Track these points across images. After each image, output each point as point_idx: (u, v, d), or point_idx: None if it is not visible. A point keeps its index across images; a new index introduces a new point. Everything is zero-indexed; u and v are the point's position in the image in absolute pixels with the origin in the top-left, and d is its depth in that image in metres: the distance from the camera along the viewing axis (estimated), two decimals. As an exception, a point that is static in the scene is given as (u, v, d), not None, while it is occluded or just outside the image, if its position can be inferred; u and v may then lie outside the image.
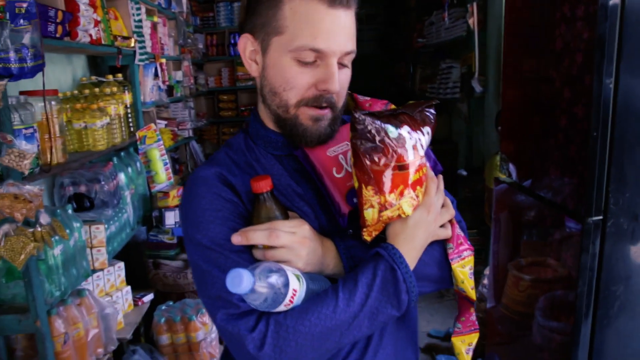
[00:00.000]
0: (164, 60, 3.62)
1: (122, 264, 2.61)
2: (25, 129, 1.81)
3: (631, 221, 1.53)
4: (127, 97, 2.89)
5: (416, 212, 0.88)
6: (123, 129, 2.78)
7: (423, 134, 0.88)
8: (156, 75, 3.44)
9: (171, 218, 3.02)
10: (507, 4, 2.06)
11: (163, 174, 3.17)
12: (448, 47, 5.07)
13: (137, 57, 3.03)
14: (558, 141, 1.62)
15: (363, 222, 0.87)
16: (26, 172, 1.70)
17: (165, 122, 3.66)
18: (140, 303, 2.72)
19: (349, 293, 0.83)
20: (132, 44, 2.96)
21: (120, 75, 2.88)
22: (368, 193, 0.84)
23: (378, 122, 0.84)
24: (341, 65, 0.90)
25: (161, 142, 3.20)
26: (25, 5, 1.71)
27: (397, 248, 0.86)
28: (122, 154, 2.88)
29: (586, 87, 1.46)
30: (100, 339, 2.22)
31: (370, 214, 0.85)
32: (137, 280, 2.83)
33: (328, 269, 0.89)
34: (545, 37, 1.68)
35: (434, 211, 0.90)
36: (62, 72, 2.73)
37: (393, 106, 1.00)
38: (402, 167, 0.84)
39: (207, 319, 2.63)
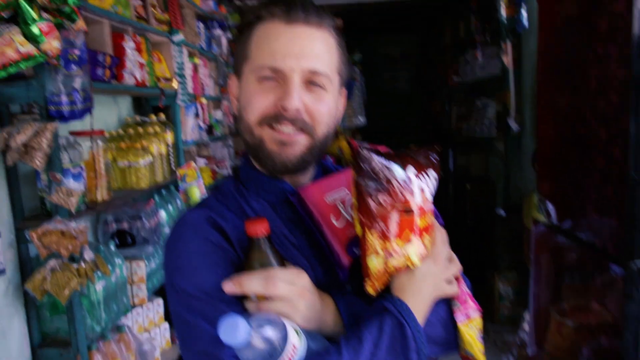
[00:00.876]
0: (204, 100, 3.75)
1: (161, 301, 2.65)
2: (73, 167, 1.91)
3: (676, 264, 1.48)
4: (169, 136, 3.00)
5: (424, 263, 0.81)
6: (165, 167, 2.88)
7: (429, 178, 0.82)
8: (197, 114, 3.55)
9: (208, 254, 3.06)
10: (540, 43, 2.08)
11: (201, 210, 3.23)
12: (483, 85, 5.08)
13: (179, 97, 3.15)
14: (595, 182, 1.60)
15: (366, 273, 0.80)
16: (73, 210, 1.78)
17: (205, 161, 3.76)
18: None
19: (354, 352, 0.74)
20: (174, 85, 3.09)
21: (162, 115, 3.00)
22: (372, 239, 0.78)
23: (384, 161, 0.79)
24: (312, 84, 0.85)
25: (201, 180, 3.28)
26: (77, 52, 1.84)
27: (404, 302, 0.79)
28: (164, 191, 2.96)
29: (622, 128, 1.44)
30: (137, 374, 2.25)
31: (374, 263, 0.79)
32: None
33: (327, 327, 0.80)
34: (579, 77, 1.68)
35: (441, 263, 0.84)
36: (108, 113, 2.86)
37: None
38: (408, 210, 0.78)
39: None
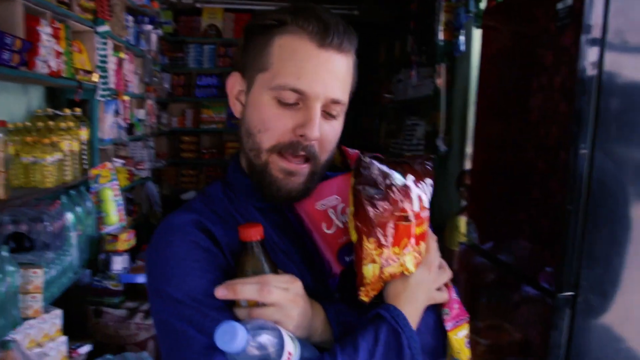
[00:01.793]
0: (126, 98, 3.51)
1: (59, 312, 2.39)
2: (-37, 161, 1.66)
3: (600, 298, 1.49)
4: (84, 133, 2.75)
5: (418, 270, 0.81)
6: (76, 166, 2.63)
7: (426, 186, 0.82)
8: (117, 112, 3.31)
9: (119, 263, 2.83)
10: (481, 69, 2.08)
11: (115, 215, 2.99)
12: (414, 104, 5.16)
13: (99, 92, 2.91)
14: (530, 213, 1.59)
15: (360, 281, 0.79)
16: (-43, 210, 1.53)
17: (123, 161, 3.51)
18: (75, 355, 2.49)
19: (349, 359, 0.73)
20: (95, 79, 2.85)
21: (78, 109, 2.75)
22: (369, 246, 0.77)
23: (385, 168, 0.78)
24: (328, 115, 0.82)
25: (116, 182, 3.04)
26: (-22, 29, 1.60)
27: (399, 309, 0.78)
28: (73, 192, 2.70)
29: (561, 161, 1.44)
30: (26, 398, 1.98)
31: (370, 270, 0.77)
32: (74, 329, 2.60)
33: (316, 335, 0.79)
34: (520, 106, 1.68)
35: (434, 270, 0.84)
36: (16, 102, 2.58)
37: None
38: (406, 218, 0.78)
39: (149, 377, 2.42)
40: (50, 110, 2.64)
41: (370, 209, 0.76)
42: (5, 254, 1.91)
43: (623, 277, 1.51)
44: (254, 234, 0.74)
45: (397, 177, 0.78)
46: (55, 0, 2.38)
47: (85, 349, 2.55)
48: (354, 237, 0.79)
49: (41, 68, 2.23)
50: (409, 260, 0.79)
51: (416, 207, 0.79)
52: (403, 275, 0.79)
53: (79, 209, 2.69)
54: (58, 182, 2.40)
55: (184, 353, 0.73)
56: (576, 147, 1.39)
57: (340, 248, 0.82)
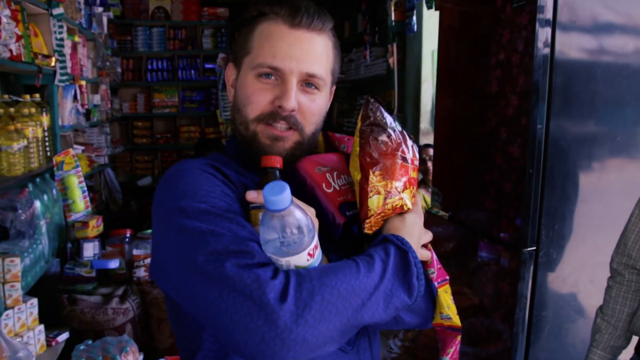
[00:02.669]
0: (83, 82, 3.43)
1: (35, 301, 2.38)
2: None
3: (560, 251, 1.67)
4: (45, 119, 2.70)
5: (410, 214, 0.88)
6: (40, 153, 2.59)
7: (414, 145, 0.92)
8: (75, 97, 3.25)
9: (90, 249, 2.82)
10: (440, 48, 2.22)
11: (81, 202, 2.97)
12: (366, 83, 5.29)
13: (58, 77, 2.85)
14: (493, 177, 1.75)
15: (365, 214, 0.85)
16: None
17: (83, 148, 3.45)
18: (54, 343, 2.49)
19: (367, 264, 0.77)
20: (53, 63, 2.79)
21: (37, 95, 2.69)
22: (375, 179, 0.84)
23: (385, 111, 0.88)
24: (307, 87, 0.90)
25: (79, 168, 3.01)
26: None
27: (401, 236, 0.84)
28: (38, 180, 2.66)
29: (522, 128, 1.60)
30: (12, 384, 1.99)
31: (375, 202, 0.84)
32: (48, 318, 2.59)
33: None
34: (480, 80, 1.82)
35: (422, 220, 0.90)
36: (-30, 89, 2.50)
37: None
38: (405, 159, 0.87)
39: (131, 357, 2.46)
40: (7, 96, 2.57)
41: (376, 145, 0.85)
42: (-16, 242, 1.89)
43: (576, 230, 1.70)
44: (275, 161, 0.83)
45: (396, 123, 0.89)
46: (8, -20, 2.32)
47: (63, 336, 2.55)
48: (357, 177, 0.86)
49: (2, 52, 2.18)
50: (407, 197, 0.87)
51: (410, 154, 0.88)
52: (402, 210, 0.87)
53: (45, 197, 2.66)
54: (25, 170, 2.36)
55: (215, 245, 0.72)
56: (535, 116, 1.55)
57: (341, 204, 0.89)
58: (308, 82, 0.90)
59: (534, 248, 1.64)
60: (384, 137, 0.85)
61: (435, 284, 0.91)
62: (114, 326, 2.72)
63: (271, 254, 0.70)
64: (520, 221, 1.62)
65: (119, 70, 5.50)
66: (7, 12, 2.22)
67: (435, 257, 0.93)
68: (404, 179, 0.86)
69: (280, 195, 0.65)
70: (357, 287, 0.74)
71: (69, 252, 2.88)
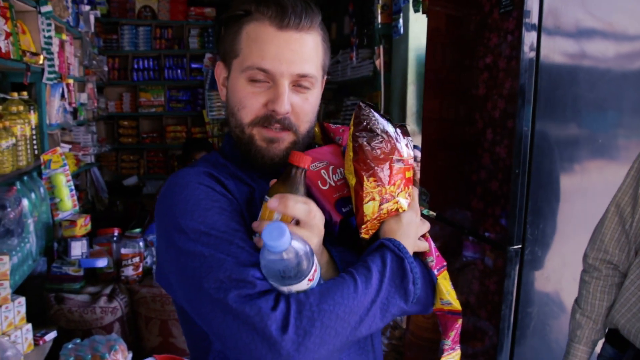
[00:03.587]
0: (71, 81, 3.42)
1: (23, 299, 2.36)
2: None
3: (544, 249, 1.72)
4: (33, 118, 2.69)
5: (407, 212, 0.89)
6: (28, 151, 2.57)
7: (409, 142, 0.92)
8: (63, 96, 3.23)
9: (78, 248, 2.81)
10: (427, 51, 2.26)
11: (68, 201, 2.96)
12: (352, 85, 5.33)
13: (46, 75, 2.84)
14: (480, 176, 1.80)
15: (361, 219, 0.87)
16: None
17: (70, 146, 3.43)
18: (41, 342, 2.47)
19: (365, 278, 0.80)
20: (41, 61, 2.78)
21: (25, 93, 2.68)
22: (369, 185, 0.85)
23: (379, 116, 0.88)
24: (299, 87, 0.90)
25: (67, 167, 2.99)
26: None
27: (398, 240, 0.86)
28: (26, 178, 2.65)
29: (508, 130, 1.64)
30: (1, 383, 1.99)
31: (370, 207, 0.85)
32: (35, 317, 2.58)
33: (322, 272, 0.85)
34: (467, 83, 1.87)
35: (419, 216, 0.92)
36: (-42, 87, 2.48)
37: None
38: (399, 161, 0.87)
39: (120, 356, 2.46)
40: (-5, 95, 2.56)
41: (369, 151, 0.85)
42: (-26, 240, 1.89)
43: (559, 229, 1.76)
44: (305, 160, 0.81)
45: (389, 126, 0.88)
46: (-3, -23, 2.31)
47: (50, 335, 2.54)
48: (352, 181, 0.86)
49: (-8, 50, 2.18)
50: (403, 199, 0.88)
51: (405, 155, 0.88)
52: (397, 212, 0.88)
53: (33, 195, 2.65)
54: (13, 168, 2.36)
55: (216, 272, 0.75)
56: (521, 118, 1.60)
57: (337, 201, 0.90)
58: (300, 83, 0.90)
59: (520, 246, 1.68)
60: (376, 143, 0.85)
61: (435, 271, 0.94)
62: (102, 325, 2.72)
63: (272, 282, 0.73)
64: (506, 220, 1.67)
65: (105, 69, 5.47)
66: (-3, 9, 2.22)
67: (433, 245, 0.96)
68: (399, 181, 0.87)
69: (279, 240, 0.67)
70: (355, 307, 0.77)
71: (56, 250, 2.87)
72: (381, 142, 0.85)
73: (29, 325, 2.40)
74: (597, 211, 1.68)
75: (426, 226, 0.95)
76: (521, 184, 1.63)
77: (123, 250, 2.93)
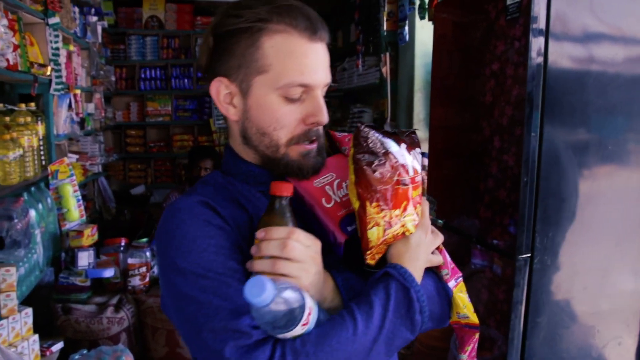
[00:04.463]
0: (78, 91, 3.44)
1: (30, 310, 2.36)
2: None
3: (554, 258, 1.70)
4: (40, 128, 2.70)
5: (416, 232, 0.86)
6: (36, 162, 2.59)
7: (416, 154, 0.88)
8: (70, 106, 3.25)
9: (85, 258, 2.81)
10: (434, 58, 2.25)
11: (75, 211, 2.97)
12: (359, 92, 5.33)
13: (53, 86, 2.86)
14: (488, 185, 1.78)
15: (366, 245, 0.83)
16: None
17: (77, 156, 3.44)
18: (48, 353, 2.47)
19: (366, 315, 0.77)
20: (49, 72, 2.80)
21: (33, 104, 2.70)
22: (373, 210, 0.81)
23: (380, 136, 0.83)
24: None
25: (74, 177, 3.00)
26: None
27: (404, 267, 0.83)
28: (33, 189, 2.66)
29: (516, 137, 1.62)
30: (7, 395, 1.98)
31: (374, 233, 0.82)
32: (42, 328, 2.58)
33: (326, 301, 0.83)
34: (474, 90, 1.86)
35: (429, 233, 0.88)
36: (-34, 98, 2.50)
37: None
38: (404, 182, 0.83)
39: (127, 367, 2.45)
40: (2, 105, 2.57)
41: (371, 175, 0.81)
42: (-20, 252, 1.89)
43: (569, 238, 1.73)
44: (285, 189, 0.78)
45: (392, 145, 0.83)
46: (7, -9, 2.34)
47: (57, 346, 2.53)
48: (356, 204, 0.83)
49: (0, 62, 2.19)
50: (409, 221, 0.84)
51: (411, 172, 0.84)
52: (404, 236, 0.85)
53: (40, 206, 2.65)
54: (20, 179, 2.36)
55: (212, 321, 0.75)
56: (529, 125, 1.58)
57: (342, 219, 0.86)
58: (323, 91, 0.89)
59: (529, 255, 1.66)
60: (378, 166, 0.81)
61: (451, 283, 0.91)
62: (108, 335, 2.71)
63: (267, 330, 0.73)
64: (515, 228, 1.64)
65: (113, 79, 5.51)
66: (5, 22, 2.23)
67: (448, 257, 0.92)
68: (405, 203, 0.84)
69: (260, 297, 0.65)
70: (355, 350, 0.76)
71: (63, 261, 2.87)
72: (384, 164, 0.81)
73: (36, 336, 2.40)
74: (607, 219, 1.65)
75: (439, 239, 0.91)
76: (530, 192, 1.61)
77: (130, 260, 2.92)
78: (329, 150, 0.98)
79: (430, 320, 0.87)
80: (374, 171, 0.81)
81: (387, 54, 4.29)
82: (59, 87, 2.94)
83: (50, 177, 2.85)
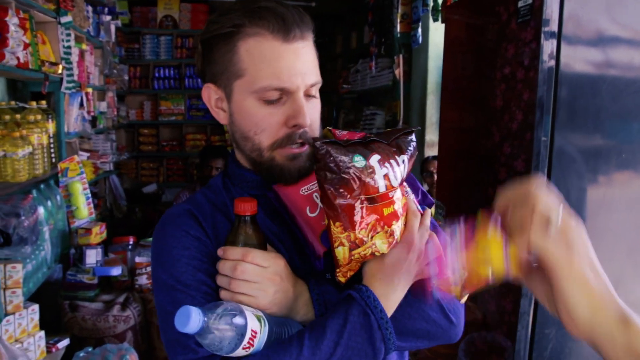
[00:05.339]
0: (90, 90, 3.46)
1: (36, 307, 2.38)
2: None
3: (563, 267, 1.65)
4: (51, 126, 2.72)
5: (394, 250, 0.79)
6: (45, 159, 2.60)
7: (398, 164, 0.79)
8: (81, 104, 3.27)
9: (92, 256, 2.82)
10: (445, 61, 2.21)
11: (85, 209, 2.98)
12: (372, 94, 5.29)
13: (64, 84, 2.87)
14: (497, 191, 1.74)
15: (336, 262, 0.79)
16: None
17: (88, 154, 3.46)
18: (54, 350, 2.48)
19: (316, 340, 0.75)
20: (60, 71, 2.81)
21: (44, 102, 2.71)
22: (336, 230, 0.76)
23: (342, 152, 0.76)
24: (308, 96, 0.86)
25: (84, 175, 3.02)
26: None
27: (371, 290, 0.78)
28: (42, 186, 2.67)
29: (527, 143, 1.58)
30: (11, 391, 1.99)
31: (340, 252, 0.77)
32: (49, 324, 2.59)
33: (298, 315, 0.81)
34: (484, 94, 1.82)
35: (415, 249, 0.80)
36: (-22, 96, 2.52)
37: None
38: (371, 199, 0.76)
39: (131, 366, 2.44)
40: (14, 103, 2.59)
41: (331, 194, 0.75)
42: (-14, 248, 1.90)
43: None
44: (247, 208, 0.77)
45: (357, 160, 0.76)
46: (19, -10, 2.35)
47: (63, 343, 2.54)
48: (325, 220, 0.79)
49: (10, 60, 2.20)
50: (380, 241, 0.77)
51: (382, 188, 0.77)
52: (374, 257, 0.79)
53: (49, 203, 2.67)
54: (29, 176, 2.38)
55: (170, 332, 0.78)
56: (540, 130, 1.54)
57: (324, 230, 0.83)
58: (309, 93, 0.86)
59: (536, 264, 1.61)
60: (338, 184, 0.75)
61: (437, 292, 0.80)
62: (114, 333, 2.72)
63: (210, 350, 0.73)
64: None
65: (126, 77, 5.55)
66: (16, 20, 2.25)
67: (450, 263, 0.80)
68: (374, 223, 0.77)
69: (186, 327, 0.67)
70: None
71: (72, 258, 2.88)
72: (345, 182, 0.75)
73: (42, 333, 2.41)
74: (621, 227, 1.60)
75: (435, 250, 0.82)
76: (539, 199, 1.57)
77: (137, 259, 2.93)
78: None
79: (417, 339, 0.84)
80: (335, 190, 0.75)
81: (401, 56, 4.26)
82: (70, 85, 2.96)
83: (60, 175, 2.87)
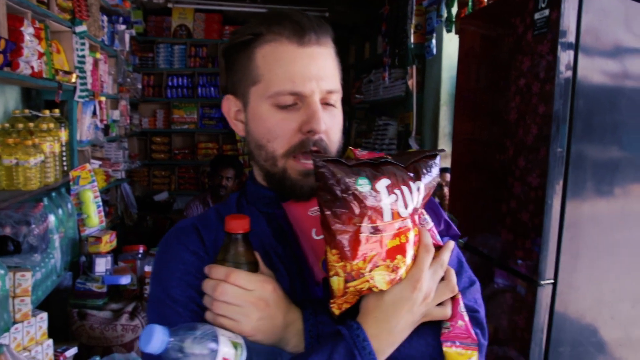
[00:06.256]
0: (103, 99, 3.48)
1: (45, 315, 2.37)
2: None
3: (578, 285, 1.61)
4: (63, 135, 2.73)
5: (396, 287, 0.72)
6: (57, 168, 2.61)
7: (410, 191, 0.72)
8: (94, 113, 3.28)
9: (102, 265, 2.82)
10: (459, 73, 2.19)
11: (95, 217, 2.98)
12: (384, 105, 5.27)
13: (78, 93, 2.89)
14: (510, 206, 1.70)
15: (331, 292, 0.72)
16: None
17: (100, 162, 3.48)
18: (62, 358, 2.47)
19: None
20: (74, 80, 2.83)
21: (57, 110, 2.73)
22: (333, 258, 0.69)
23: (346, 172, 0.69)
24: (326, 105, 0.82)
25: (95, 183, 3.02)
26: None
27: (363, 328, 0.72)
28: (53, 194, 2.68)
29: (541, 158, 1.55)
30: (17, 401, 1.97)
31: (335, 282, 0.70)
32: (58, 332, 2.58)
33: (288, 346, 0.75)
34: (498, 107, 1.79)
35: (422, 288, 0.73)
36: (-7, 103, 2.54)
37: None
38: (374, 229, 0.68)
39: (138, 377, 2.43)
40: (27, 111, 2.61)
41: (329, 217, 0.69)
42: (-5, 256, 1.89)
43: (596, 263, 1.64)
44: (238, 226, 0.73)
45: (361, 183, 0.69)
46: (35, 0, 2.37)
47: (71, 351, 2.53)
48: (325, 246, 0.72)
49: (24, 69, 2.22)
50: (379, 275, 0.70)
51: (387, 217, 0.69)
52: (370, 292, 0.72)
53: (60, 211, 2.67)
54: (41, 185, 2.38)
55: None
56: (555, 144, 1.51)
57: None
58: (327, 102, 0.82)
59: (552, 281, 1.58)
60: (336, 207, 0.68)
61: (449, 342, 0.76)
62: (122, 343, 2.70)
63: None
64: (538, 253, 1.56)
65: (140, 86, 5.59)
66: (31, 30, 2.27)
67: (460, 309, 0.78)
68: (373, 255, 0.69)
69: (148, 346, 0.63)
70: None
71: (82, 266, 2.88)
72: (345, 206, 0.68)
73: (50, 341, 2.40)
74: (636, 244, 1.56)
75: (449, 289, 0.77)
76: (554, 217, 1.53)
77: (147, 268, 2.92)
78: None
79: None
80: (333, 213, 0.69)
81: (414, 67, 4.24)
82: (84, 94, 2.97)
83: (71, 183, 2.87)
